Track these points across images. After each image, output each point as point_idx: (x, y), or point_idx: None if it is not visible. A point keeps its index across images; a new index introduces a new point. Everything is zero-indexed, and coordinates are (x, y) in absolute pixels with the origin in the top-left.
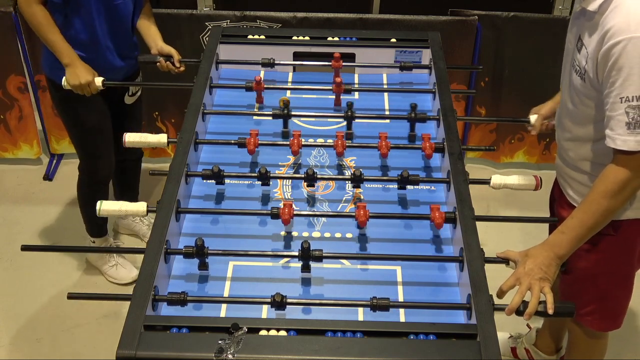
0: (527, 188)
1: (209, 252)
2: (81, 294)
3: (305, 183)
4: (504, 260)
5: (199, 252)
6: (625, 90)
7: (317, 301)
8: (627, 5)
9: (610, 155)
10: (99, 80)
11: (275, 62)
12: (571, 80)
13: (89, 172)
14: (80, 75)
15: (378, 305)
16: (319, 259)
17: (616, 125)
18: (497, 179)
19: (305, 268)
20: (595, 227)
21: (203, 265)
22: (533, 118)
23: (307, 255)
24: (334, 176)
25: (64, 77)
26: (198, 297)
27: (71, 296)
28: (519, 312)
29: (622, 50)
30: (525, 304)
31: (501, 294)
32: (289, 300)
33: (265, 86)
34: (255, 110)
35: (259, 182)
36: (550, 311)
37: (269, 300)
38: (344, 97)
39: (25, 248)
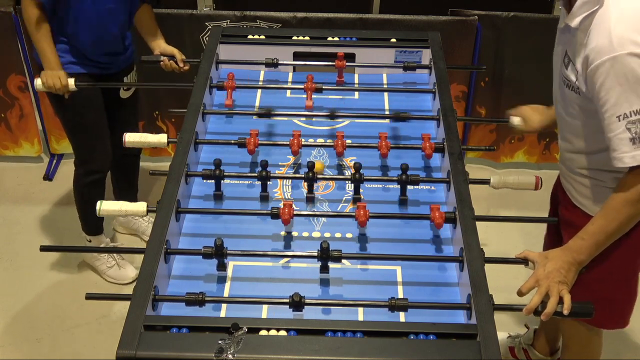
0: (527, 188)
1: (227, 253)
2: (97, 294)
3: (306, 183)
4: (524, 261)
5: (217, 253)
6: (620, 109)
7: (335, 301)
8: (608, 23)
9: (610, 162)
10: (71, 82)
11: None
12: (564, 94)
13: (84, 164)
14: (51, 78)
15: (396, 305)
16: (338, 259)
17: (619, 144)
18: (497, 178)
19: (324, 268)
20: (616, 233)
21: (222, 266)
22: (517, 121)
23: (327, 256)
24: (334, 176)
25: (36, 79)
26: (216, 297)
27: (90, 296)
28: (537, 312)
29: (609, 69)
30: (543, 304)
31: (520, 295)
32: (305, 301)
33: (236, 85)
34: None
35: (259, 182)
36: (566, 311)
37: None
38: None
39: (44, 249)
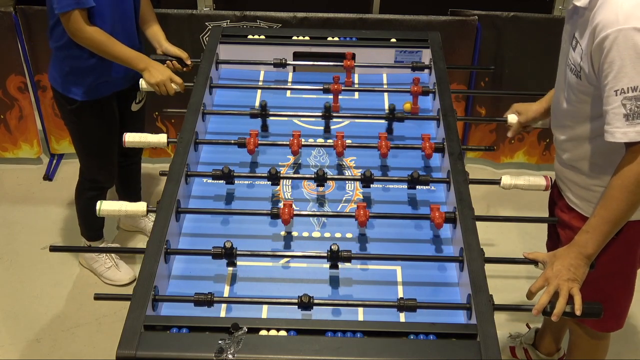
0: (538, 188)
1: (237, 253)
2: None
3: (315, 183)
4: (532, 262)
5: (227, 253)
6: (619, 83)
7: (344, 302)
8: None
9: (608, 153)
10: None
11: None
12: (567, 78)
13: (92, 181)
14: (161, 72)
15: (405, 305)
16: (348, 259)
17: (613, 119)
18: (507, 179)
19: (334, 267)
20: (619, 222)
21: (232, 264)
22: (512, 118)
23: (336, 257)
24: (342, 177)
25: (141, 80)
26: (222, 298)
27: (98, 297)
28: (546, 312)
29: (613, 42)
30: (552, 304)
31: (530, 295)
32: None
33: (342, 88)
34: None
35: (269, 182)
36: (578, 312)
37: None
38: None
39: (53, 249)
